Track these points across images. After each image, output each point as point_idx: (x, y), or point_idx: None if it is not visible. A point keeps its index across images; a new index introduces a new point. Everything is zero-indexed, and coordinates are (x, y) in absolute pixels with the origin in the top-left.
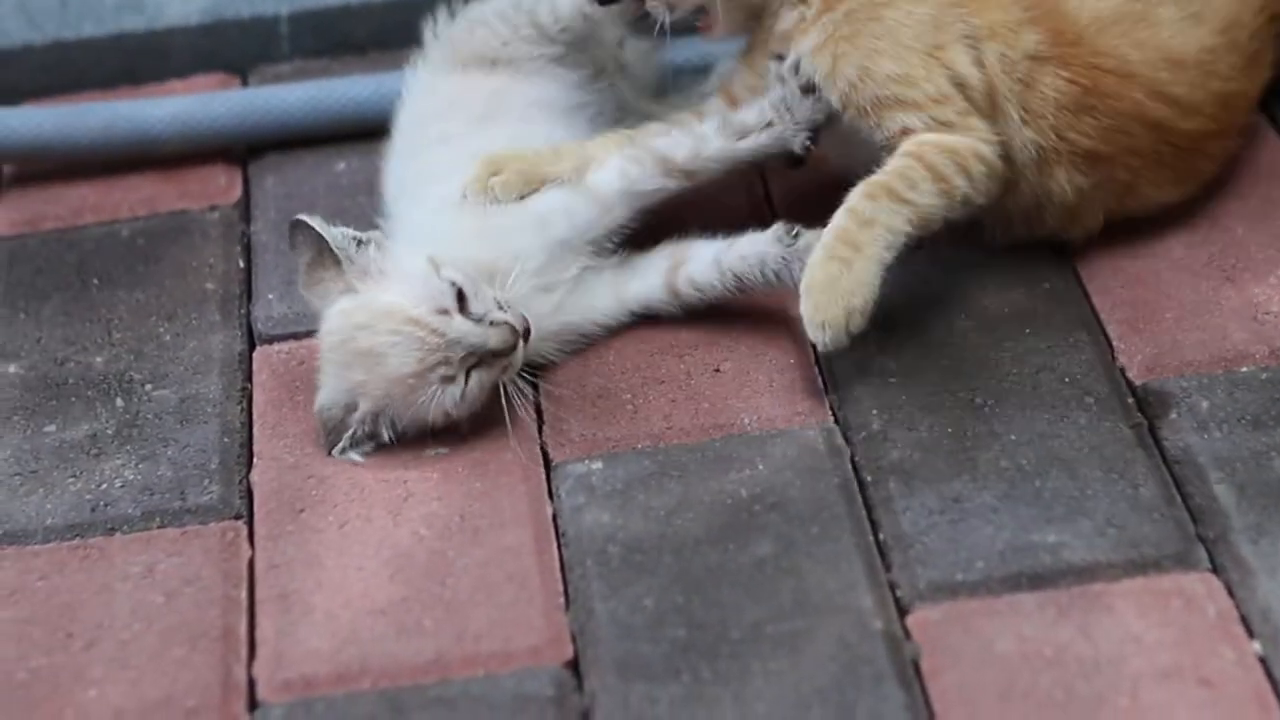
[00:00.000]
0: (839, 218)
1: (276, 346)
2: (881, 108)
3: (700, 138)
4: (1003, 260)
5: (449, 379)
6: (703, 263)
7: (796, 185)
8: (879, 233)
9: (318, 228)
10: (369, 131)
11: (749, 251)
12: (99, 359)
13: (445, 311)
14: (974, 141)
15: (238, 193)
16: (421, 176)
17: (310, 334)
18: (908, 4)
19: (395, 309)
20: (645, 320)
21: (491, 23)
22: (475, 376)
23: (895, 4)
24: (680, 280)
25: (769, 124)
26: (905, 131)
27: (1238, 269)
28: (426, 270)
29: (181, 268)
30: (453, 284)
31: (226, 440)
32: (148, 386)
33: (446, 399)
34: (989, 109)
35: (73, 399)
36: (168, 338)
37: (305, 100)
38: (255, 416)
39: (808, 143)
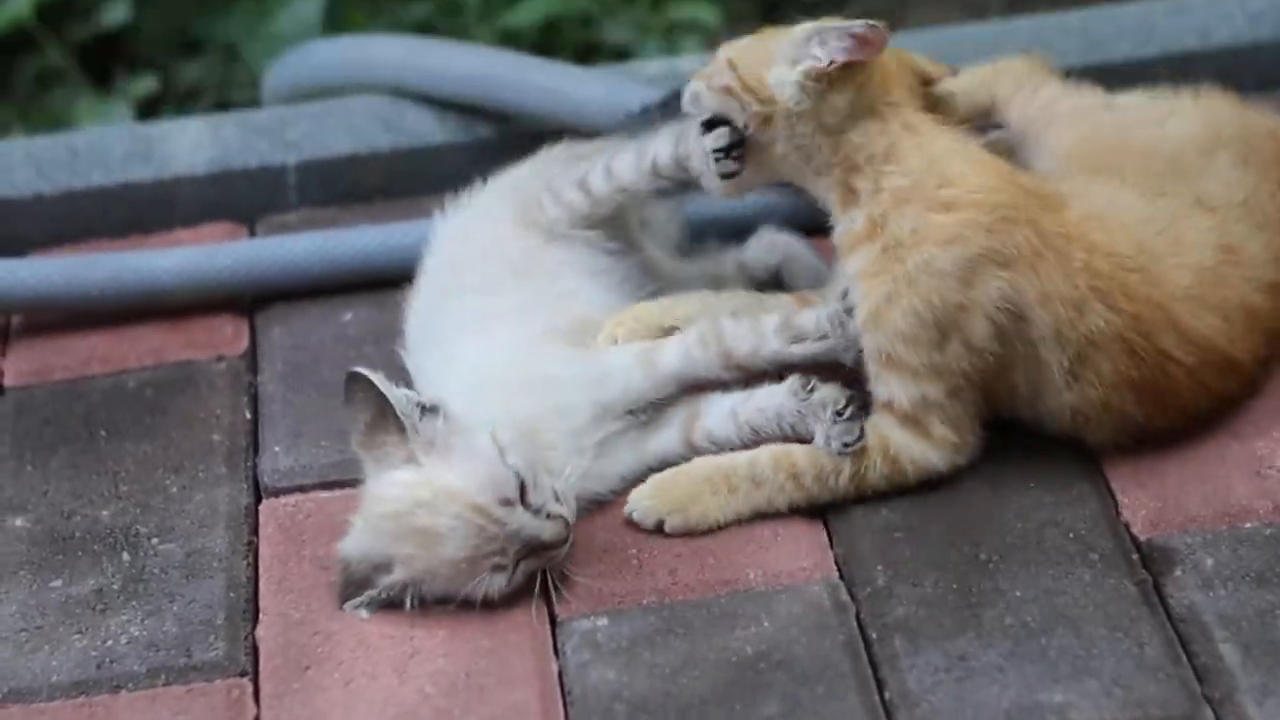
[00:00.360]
0: (748, 453)
1: (283, 499)
2: (878, 364)
3: (762, 336)
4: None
5: (501, 568)
6: (719, 416)
7: None
8: (757, 498)
9: (381, 387)
10: (376, 282)
11: (766, 404)
12: (106, 512)
13: (509, 502)
14: (924, 453)
15: (245, 343)
16: (457, 323)
17: (317, 487)
18: (934, 247)
19: (460, 494)
20: None
21: (539, 187)
22: (524, 565)
23: (921, 246)
24: (698, 434)
25: (824, 335)
26: (886, 406)
27: (1241, 423)
28: (492, 452)
29: (188, 419)
30: (517, 473)
31: (232, 595)
32: (154, 540)
33: (493, 585)
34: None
35: (79, 553)
36: (174, 490)
37: (312, 250)
38: (261, 571)
39: (858, 357)
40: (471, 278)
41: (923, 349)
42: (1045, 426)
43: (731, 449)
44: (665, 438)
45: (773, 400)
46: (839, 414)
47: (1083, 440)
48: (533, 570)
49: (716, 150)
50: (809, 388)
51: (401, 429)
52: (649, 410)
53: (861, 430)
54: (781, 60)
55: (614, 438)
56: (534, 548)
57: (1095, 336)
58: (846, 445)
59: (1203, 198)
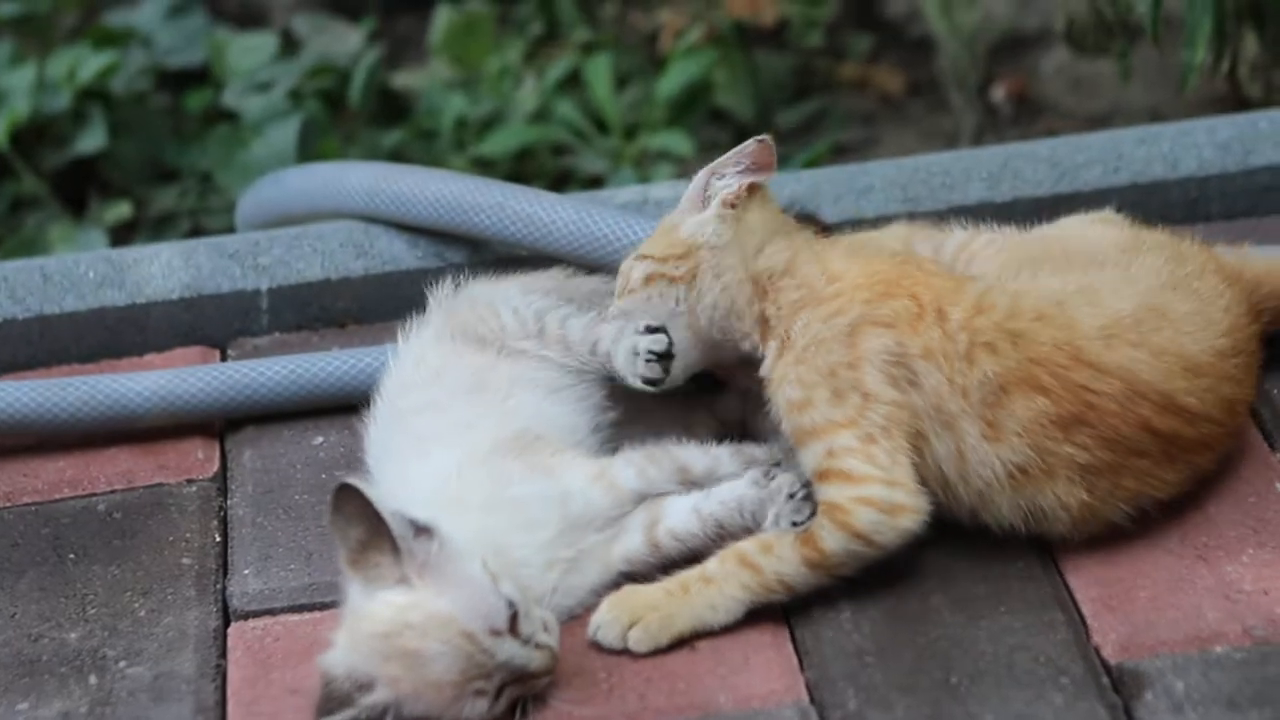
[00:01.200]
0: (698, 569)
1: (252, 623)
2: (795, 444)
3: (716, 459)
4: (975, 536)
5: (482, 693)
6: (682, 514)
7: None
8: (711, 593)
9: (374, 502)
10: (347, 406)
11: (727, 497)
12: (73, 635)
13: (498, 632)
14: (856, 493)
15: (215, 466)
16: (417, 440)
17: (286, 610)
18: (819, 323)
19: (451, 620)
20: None
21: (495, 310)
22: (507, 692)
23: (808, 329)
24: (661, 534)
25: (777, 462)
26: (815, 477)
27: (1210, 547)
28: (485, 580)
29: (158, 542)
30: (510, 603)
31: (200, 719)
32: (121, 664)
33: (475, 710)
34: (913, 430)
35: (46, 676)
36: (143, 613)
37: (284, 375)
38: (229, 694)
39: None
40: (422, 396)
41: (820, 408)
42: (1002, 523)
43: (696, 545)
44: (629, 543)
45: (734, 492)
46: (792, 495)
47: (1046, 539)
48: (516, 697)
49: (650, 353)
50: (769, 475)
51: (395, 549)
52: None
53: (813, 509)
54: (690, 212)
55: (583, 555)
56: (520, 677)
57: (994, 381)
58: (795, 524)
59: (1128, 277)
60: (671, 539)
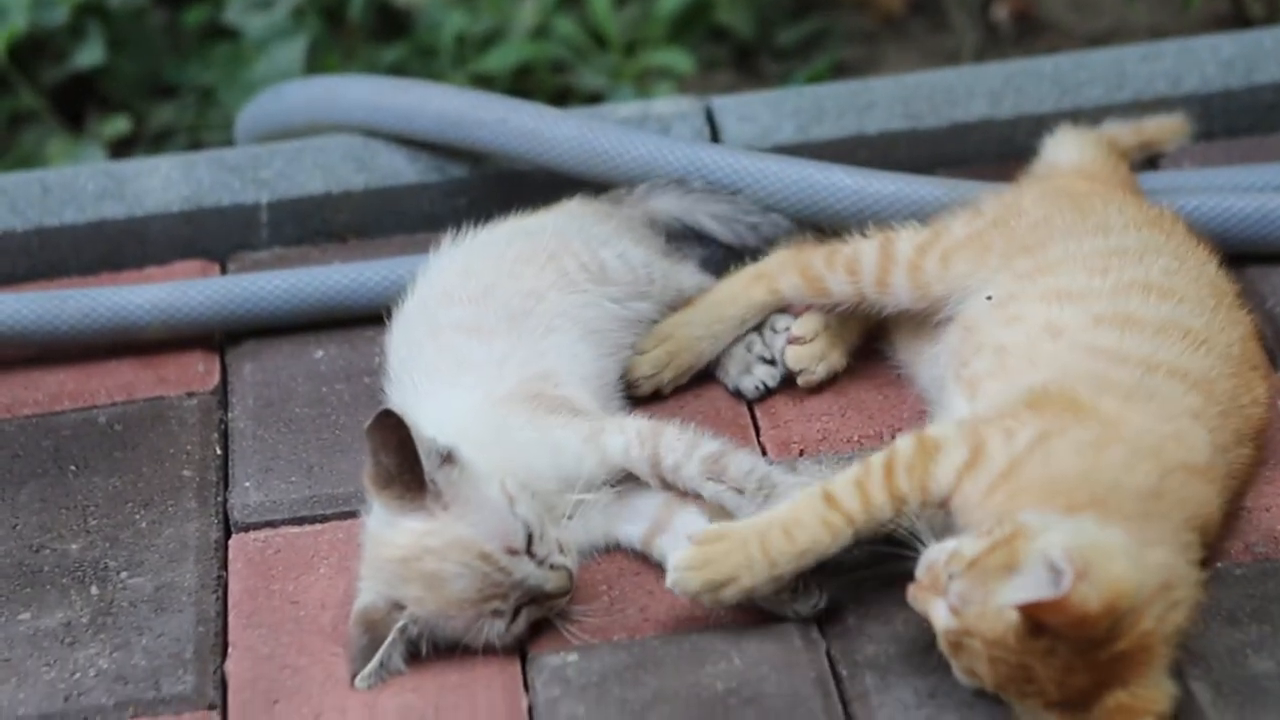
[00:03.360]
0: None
1: (252, 534)
2: None
3: (689, 457)
4: None
5: (499, 613)
6: (676, 543)
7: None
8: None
9: (414, 436)
10: (347, 320)
11: None
12: (75, 546)
13: (515, 551)
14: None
15: (215, 379)
16: (454, 363)
17: (287, 522)
18: None
19: (469, 542)
20: None
21: (595, 251)
22: (524, 613)
23: None
24: (653, 547)
25: (740, 490)
26: None
27: None
28: (502, 502)
29: (159, 454)
30: (525, 524)
31: (201, 629)
32: (123, 574)
33: (493, 631)
34: None
35: (47, 586)
36: (144, 525)
37: (284, 288)
38: (230, 605)
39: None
40: (464, 312)
41: None
42: None
43: None
44: (631, 531)
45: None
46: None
47: None
48: (534, 619)
49: (763, 386)
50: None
51: (421, 477)
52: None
53: (820, 595)
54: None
55: (589, 508)
56: (536, 596)
57: None
58: (814, 606)
59: None
60: (660, 555)
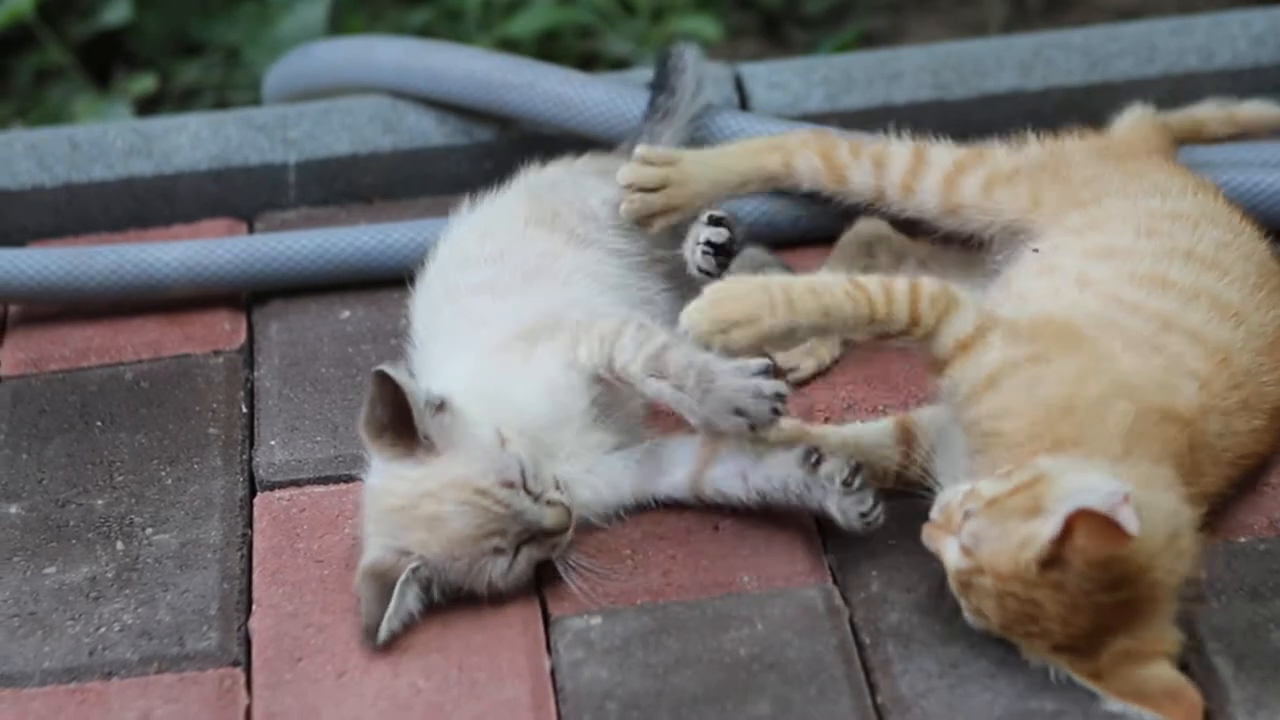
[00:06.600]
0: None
1: (278, 493)
2: None
3: (635, 355)
4: None
5: (500, 550)
6: (729, 473)
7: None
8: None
9: (406, 387)
10: (374, 281)
11: (774, 473)
12: (100, 501)
13: (510, 484)
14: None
15: (242, 338)
16: (471, 323)
17: (312, 481)
18: None
19: (464, 481)
20: None
21: (584, 198)
22: (525, 552)
23: None
24: (705, 483)
25: (680, 387)
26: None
27: None
28: (494, 443)
29: (185, 412)
30: (519, 459)
31: (226, 586)
32: (148, 530)
33: (495, 569)
34: None
35: (73, 541)
36: (169, 482)
37: (311, 248)
38: (255, 563)
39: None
40: (482, 275)
41: None
42: None
43: (738, 504)
44: (674, 481)
45: (781, 470)
46: (847, 485)
47: None
48: (536, 559)
49: (708, 244)
50: (813, 460)
51: (413, 426)
52: (647, 442)
53: (875, 499)
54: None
55: (613, 463)
56: (535, 533)
57: None
58: (864, 515)
59: None
60: (715, 492)
